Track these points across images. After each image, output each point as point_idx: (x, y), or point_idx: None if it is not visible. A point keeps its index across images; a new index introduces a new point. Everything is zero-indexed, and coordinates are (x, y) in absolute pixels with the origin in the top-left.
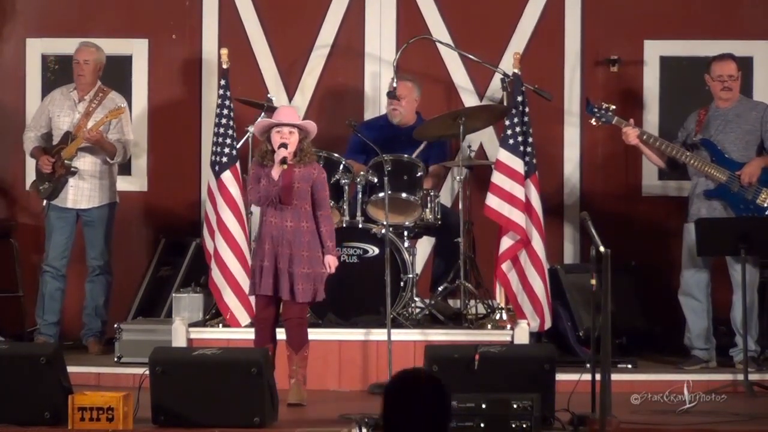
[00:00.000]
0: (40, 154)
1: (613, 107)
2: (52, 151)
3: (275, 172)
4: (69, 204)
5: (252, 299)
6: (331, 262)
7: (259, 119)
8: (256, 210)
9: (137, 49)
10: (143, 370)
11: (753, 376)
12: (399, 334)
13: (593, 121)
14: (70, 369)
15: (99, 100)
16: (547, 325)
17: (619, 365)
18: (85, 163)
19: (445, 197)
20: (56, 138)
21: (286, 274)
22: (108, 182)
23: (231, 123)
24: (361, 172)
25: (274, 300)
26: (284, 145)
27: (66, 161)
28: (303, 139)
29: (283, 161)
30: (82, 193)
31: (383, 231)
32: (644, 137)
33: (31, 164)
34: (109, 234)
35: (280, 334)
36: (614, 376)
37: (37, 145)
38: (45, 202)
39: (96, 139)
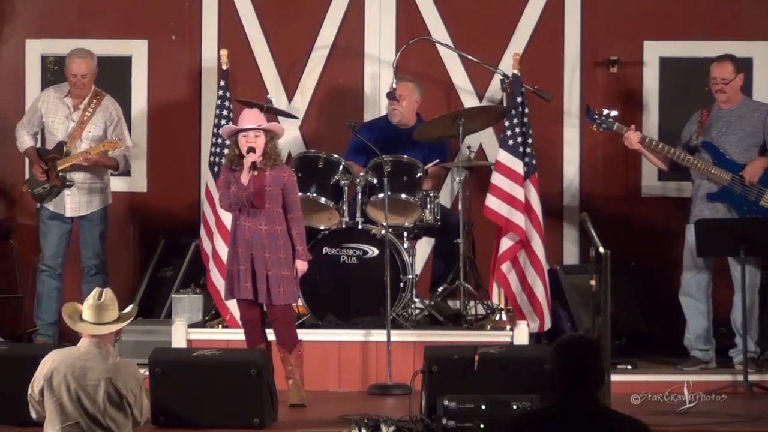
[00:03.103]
0: (35, 157)
1: (614, 113)
2: (45, 157)
3: (245, 178)
4: (67, 213)
5: (231, 303)
6: (299, 267)
7: (226, 125)
8: None
9: (137, 50)
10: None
11: (753, 377)
12: (398, 335)
13: (594, 128)
14: None
15: (94, 108)
16: (547, 326)
17: (618, 366)
18: (80, 175)
19: (445, 198)
20: (49, 143)
21: (263, 277)
22: (104, 189)
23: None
24: (361, 173)
25: (256, 301)
26: (252, 150)
27: (60, 173)
28: (269, 141)
29: (254, 167)
30: (79, 200)
31: (383, 232)
32: (645, 141)
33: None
34: (104, 233)
35: (271, 335)
36: (614, 377)
37: (31, 144)
38: (38, 204)
39: (93, 161)
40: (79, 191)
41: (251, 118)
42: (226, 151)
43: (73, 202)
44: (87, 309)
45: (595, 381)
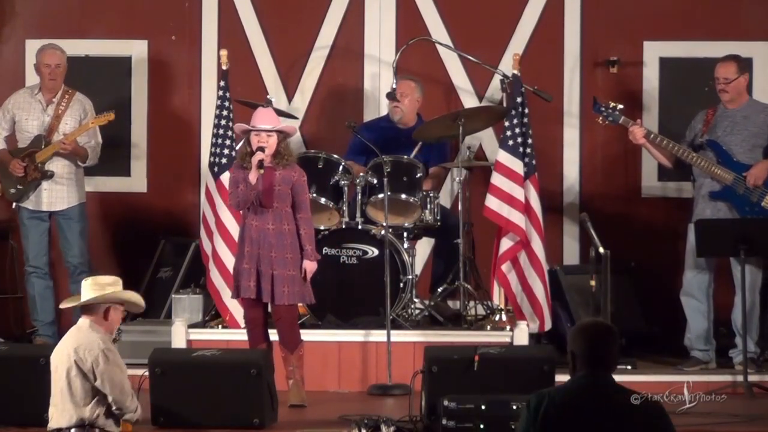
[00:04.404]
0: (8, 157)
1: (621, 107)
2: (21, 154)
3: (252, 177)
4: (44, 207)
5: (231, 303)
6: (308, 267)
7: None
8: None
9: (137, 51)
10: (143, 371)
11: (752, 378)
12: (398, 335)
13: (600, 120)
14: None
15: (67, 102)
16: (547, 326)
17: (618, 366)
18: (58, 165)
19: (445, 198)
20: (23, 141)
21: (268, 276)
22: (80, 183)
23: (230, 124)
24: (361, 173)
25: (259, 301)
26: (261, 149)
27: (40, 164)
28: (282, 141)
29: (260, 165)
30: (56, 195)
31: (383, 232)
32: (650, 137)
33: None
34: (84, 231)
35: (273, 335)
36: (614, 377)
37: (3, 147)
38: (15, 204)
39: (71, 148)
40: (55, 183)
41: (265, 118)
42: (226, 151)
43: (51, 196)
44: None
45: (615, 362)
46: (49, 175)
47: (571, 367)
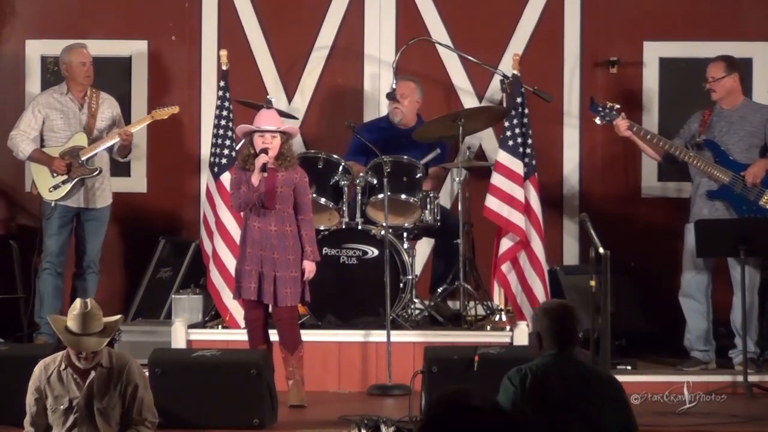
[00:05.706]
0: (46, 156)
1: (618, 106)
2: (62, 152)
3: (255, 179)
4: (89, 204)
5: (231, 303)
6: (307, 267)
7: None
8: None
9: (137, 51)
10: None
11: (752, 378)
12: (398, 336)
13: (597, 120)
14: None
15: (96, 101)
16: None
17: (618, 366)
18: (98, 163)
19: (445, 199)
20: (55, 141)
21: (270, 278)
22: (109, 183)
23: (230, 124)
24: (361, 174)
25: (260, 302)
26: (265, 151)
27: (85, 161)
28: (285, 143)
29: (263, 168)
30: (93, 192)
31: (383, 232)
32: (634, 129)
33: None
34: (105, 233)
35: (274, 335)
36: None
37: (36, 147)
38: (53, 203)
39: (131, 139)
40: (96, 181)
41: (269, 119)
42: (226, 151)
43: (91, 194)
44: (71, 320)
45: (577, 338)
46: (98, 173)
47: (538, 347)
